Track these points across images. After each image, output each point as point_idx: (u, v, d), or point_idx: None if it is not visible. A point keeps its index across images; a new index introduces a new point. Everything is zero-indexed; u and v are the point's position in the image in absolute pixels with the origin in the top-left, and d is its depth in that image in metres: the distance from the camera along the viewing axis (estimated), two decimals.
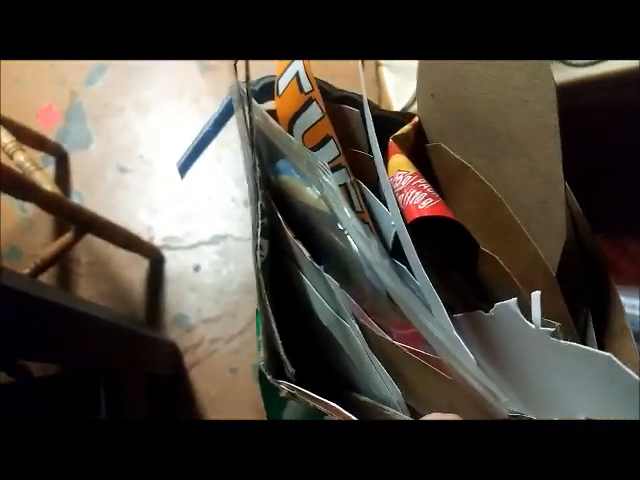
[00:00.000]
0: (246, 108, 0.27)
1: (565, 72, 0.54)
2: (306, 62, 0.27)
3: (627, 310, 0.59)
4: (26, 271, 0.74)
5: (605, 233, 0.70)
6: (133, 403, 0.74)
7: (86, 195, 0.98)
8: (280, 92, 0.29)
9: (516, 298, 0.21)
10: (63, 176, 0.99)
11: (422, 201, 0.25)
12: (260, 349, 0.26)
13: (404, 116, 0.32)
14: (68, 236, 0.79)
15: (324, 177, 0.27)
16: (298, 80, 0.27)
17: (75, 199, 0.97)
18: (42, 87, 1.07)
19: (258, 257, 0.26)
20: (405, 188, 0.27)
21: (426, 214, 0.25)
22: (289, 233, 0.28)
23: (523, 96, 0.22)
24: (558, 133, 0.21)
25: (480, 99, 0.25)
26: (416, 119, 0.31)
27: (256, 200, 0.27)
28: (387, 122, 0.31)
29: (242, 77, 0.28)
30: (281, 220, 0.29)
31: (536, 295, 0.20)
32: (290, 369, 0.24)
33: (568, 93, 0.55)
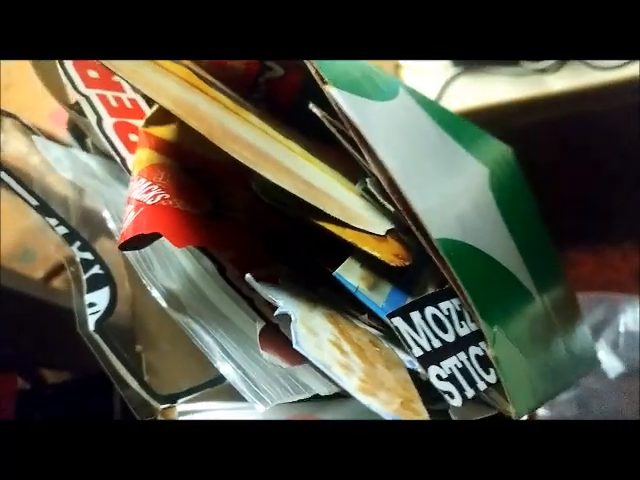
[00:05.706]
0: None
1: (591, 75, 0.53)
2: None
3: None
4: (40, 274, 0.74)
5: (632, 240, 0.69)
6: None
7: None
8: None
9: None
10: None
11: (125, 220, 0.21)
12: None
13: None
14: None
15: None
16: None
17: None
18: None
19: (88, 316, 0.25)
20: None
21: (119, 242, 0.20)
22: None
23: None
24: None
25: None
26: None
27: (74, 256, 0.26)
28: None
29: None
30: None
31: None
32: None
33: (595, 96, 0.54)
